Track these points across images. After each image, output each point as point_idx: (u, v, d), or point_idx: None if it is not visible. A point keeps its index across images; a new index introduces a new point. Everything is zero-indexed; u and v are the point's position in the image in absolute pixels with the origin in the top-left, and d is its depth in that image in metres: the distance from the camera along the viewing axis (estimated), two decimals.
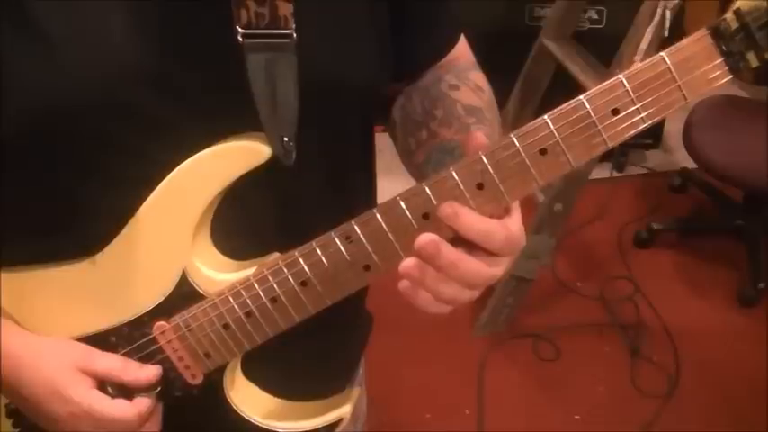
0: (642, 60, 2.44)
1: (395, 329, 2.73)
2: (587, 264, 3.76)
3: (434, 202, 0.95)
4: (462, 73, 1.23)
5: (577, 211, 3.33)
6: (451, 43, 1.25)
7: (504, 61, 2.77)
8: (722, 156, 3.41)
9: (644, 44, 2.71)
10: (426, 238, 0.94)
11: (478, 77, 1.24)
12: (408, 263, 0.95)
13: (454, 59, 1.25)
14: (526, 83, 3.53)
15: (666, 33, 2.70)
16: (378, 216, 0.96)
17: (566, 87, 3.15)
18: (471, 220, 0.94)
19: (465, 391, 3.15)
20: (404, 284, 0.97)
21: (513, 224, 0.98)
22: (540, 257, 3.15)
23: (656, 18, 2.67)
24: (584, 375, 3.22)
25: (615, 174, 4.06)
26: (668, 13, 2.67)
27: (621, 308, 3.51)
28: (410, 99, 1.22)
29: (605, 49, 3.02)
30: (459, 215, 0.94)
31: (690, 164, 3.75)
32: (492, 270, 0.98)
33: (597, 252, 3.82)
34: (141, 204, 1.02)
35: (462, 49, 1.26)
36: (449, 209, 0.94)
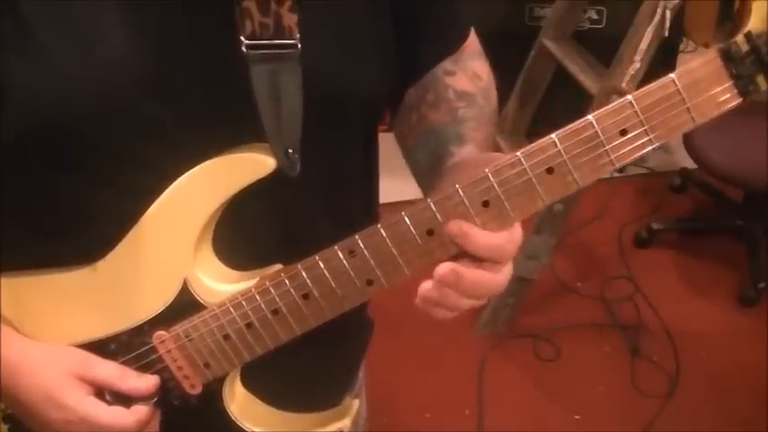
0: (642, 60, 2.44)
1: (395, 330, 2.73)
2: (587, 264, 3.75)
3: (439, 219, 0.95)
4: (463, 60, 1.23)
5: (577, 211, 3.32)
6: (459, 44, 1.24)
7: (504, 61, 2.76)
8: (722, 156, 3.41)
9: (644, 44, 2.71)
10: (445, 269, 0.95)
11: (479, 66, 1.24)
12: (427, 287, 0.97)
13: (461, 48, 1.25)
14: (526, 83, 3.53)
15: (666, 33, 2.70)
16: (382, 231, 0.97)
17: (566, 87, 3.16)
18: (479, 239, 0.95)
19: (465, 391, 3.15)
20: (421, 304, 0.99)
21: (517, 231, 0.99)
22: (540, 257, 3.15)
23: (656, 18, 2.67)
24: (584, 375, 3.22)
25: (615, 174, 4.06)
26: (668, 13, 2.67)
27: (621, 308, 3.50)
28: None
29: (605, 49, 3.02)
30: (467, 234, 0.94)
31: (690, 164, 3.75)
32: (501, 278, 0.99)
33: (597, 252, 3.82)
34: (143, 212, 1.01)
35: (469, 39, 1.26)
36: (455, 228, 0.95)
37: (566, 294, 3.59)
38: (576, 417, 3.06)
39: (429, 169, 1.12)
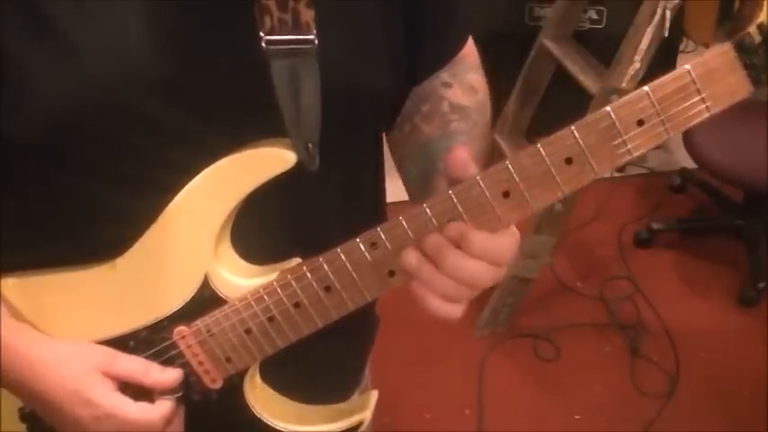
0: (642, 60, 2.46)
1: (395, 329, 2.72)
2: (587, 264, 3.76)
3: (460, 210, 0.95)
4: (460, 72, 1.23)
5: (577, 211, 3.33)
6: (460, 46, 1.25)
7: (504, 61, 2.77)
8: (722, 156, 3.41)
9: (644, 44, 2.72)
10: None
11: (476, 79, 1.24)
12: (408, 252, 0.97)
13: (459, 58, 1.25)
14: (526, 83, 3.53)
15: (666, 33, 2.71)
16: (403, 223, 0.97)
17: (566, 87, 3.16)
18: (476, 241, 0.96)
19: (465, 391, 3.16)
20: (414, 285, 0.99)
21: (513, 234, 1.00)
22: (540, 257, 3.16)
23: (656, 18, 2.68)
24: (584, 375, 3.23)
25: (615, 174, 4.06)
26: (668, 13, 2.68)
27: (621, 308, 3.51)
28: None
29: (605, 49, 3.03)
30: (466, 236, 0.95)
31: (690, 164, 3.75)
32: (487, 271, 0.98)
33: (597, 252, 3.83)
34: (163, 208, 1.02)
35: (468, 50, 1.27)
36: (453, 230, 0.96)
37: (566, 294, 3.60)
38: (576, 417, 3.07)
39: (419, 182, 1.13)
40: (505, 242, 0.98)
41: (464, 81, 1.22)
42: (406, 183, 1.18)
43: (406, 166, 1.18)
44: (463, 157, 0.96)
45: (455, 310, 1.00)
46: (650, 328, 3.43)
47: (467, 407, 3.10)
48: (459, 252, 0.96)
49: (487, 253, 0.96)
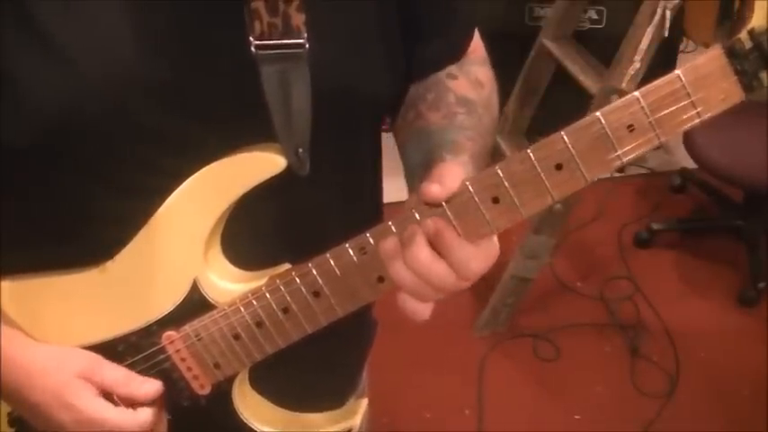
0: (642, 60, 2.45)
1: (394, 329, 2.72)
2: (587, 264, 3.75)
3: (449, 214, 0.95)
4: (467, 65, 1.22)
5: (577, 211, 3.32)
6: (464, 47, 1.24)
7: (504, 61, 2.75)
8: (722, 156, 3.41)
9: (644, 44, 2.72)
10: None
11: (482, 73, 1.23)
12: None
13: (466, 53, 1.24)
14: (526, 83, 3.53)
15: (666, 33, 2.71)
16: (393, 227, 0.96)
17: (566, 87, 3.15)
18: (454, 245, 0.95)
19: (465, 391, 3.15)
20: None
21: (492, 248, 0.99)
22: (540, 257, 3.15)
23: (656, 18, 2.68)
24: (584, 375, 3.22)
25: (615, 174, 4.06)
26: (668, 13, 2.67)
27: (621, 308, 3.50)
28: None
29: (605, 49, 3.02)
30: (442, 233, 0.95)
31: (690, 164, 3.74)
32: (458, 281, 0.98)
33: (597, 252, 3.82)
34: (152, 213, 1.01)
35: (474, 45, 1.26)
36: (431, 225, 0.95)
37: (566, 294, 3.59)
38: (576, 417, 3.06)
39: (421, 169, 1.12)
40: (478, 253, 0.97)
41: (470, 74, 1.21)
42: (407, 169, 1.16)
43: (410, 152, 1.16)
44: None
45: (421, 310, 0.99)
46: (650, 328, 3.42)
47: (467, 407, 3.09)
48: (427, 248, 0.95)
49: (457, 257, 0.95)
